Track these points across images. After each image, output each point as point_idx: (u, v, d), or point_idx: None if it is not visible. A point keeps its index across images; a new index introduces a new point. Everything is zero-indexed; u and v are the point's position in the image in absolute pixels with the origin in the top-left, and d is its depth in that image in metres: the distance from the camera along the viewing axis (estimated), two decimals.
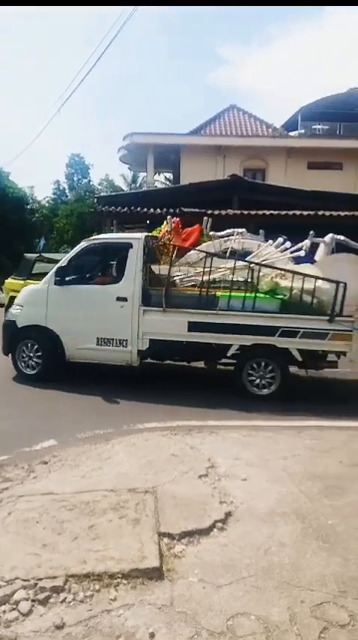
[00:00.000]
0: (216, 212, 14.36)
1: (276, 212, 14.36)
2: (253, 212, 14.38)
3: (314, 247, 7.54)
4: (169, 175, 34.10)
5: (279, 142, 26.07)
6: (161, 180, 37.15)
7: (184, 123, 78.90)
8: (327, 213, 14.45)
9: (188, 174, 23.60)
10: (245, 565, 2.87)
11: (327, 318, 6.28)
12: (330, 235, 7.66)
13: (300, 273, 6.42)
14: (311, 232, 7.49)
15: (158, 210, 14.53)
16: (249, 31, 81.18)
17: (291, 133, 27.70)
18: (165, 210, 14.45)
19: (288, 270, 6.54)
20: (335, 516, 3.44)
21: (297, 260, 7.05)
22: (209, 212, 14.26)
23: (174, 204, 14.49)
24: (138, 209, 14.69)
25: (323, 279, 6.39)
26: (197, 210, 14.27)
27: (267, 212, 14.37)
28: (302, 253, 7.12)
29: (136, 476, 3.90)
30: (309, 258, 7.25)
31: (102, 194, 29.05)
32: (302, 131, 27.48)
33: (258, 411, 5.98)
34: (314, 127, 27.20)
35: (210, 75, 74.91)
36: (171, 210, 14.36)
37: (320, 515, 3.45)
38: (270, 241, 7.42)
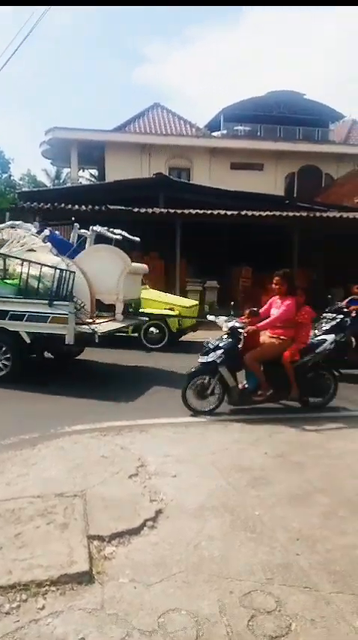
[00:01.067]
0: (143, 210, 14.37)
1: (202, 211, 14.57)
2: (179, 211, 14.51)
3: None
4: (94, 172, 33.61)
5: (203, 142, 26.53)
6: (86, 176, 36.52)
7: (109, 119, 78.17)
8: (249, 213, 14.87)
9: (113, 172, 23.44)
10: (175, 561, 2.90)
11: (47, 302, 6.75)
12: (92, 227, 8.65)
13: (28, 260, 7.04)
14: (76, 224, 8.79)
15: (83, 207, 14.29)
16: (171, 31, 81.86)
17: (214, 134, 28.25)
18: (90, 207, 14.24)
19: (21, 259, 7.17)
20: (261, 507, 3.56)
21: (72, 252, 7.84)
22: (135, 210, 14.26)
23: (100, 202, 14.32)
24: (62, 205, 14.37)
25: (48, 266, 7.02)
26: (123, 207, 14.20)
27: (193, 211, 14.56)
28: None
29: (64, 480, 3.82)
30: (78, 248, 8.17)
31: (24, 189, 28.06)
32: (225, 132, 28.12)
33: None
34: (236, 128, 27.89)
35: (133, 72, 74.78)
36: (97, 208, 14.18)
37: (248, 506, 3.56)
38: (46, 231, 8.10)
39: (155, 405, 6.22)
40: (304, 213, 15.70)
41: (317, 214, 15.93)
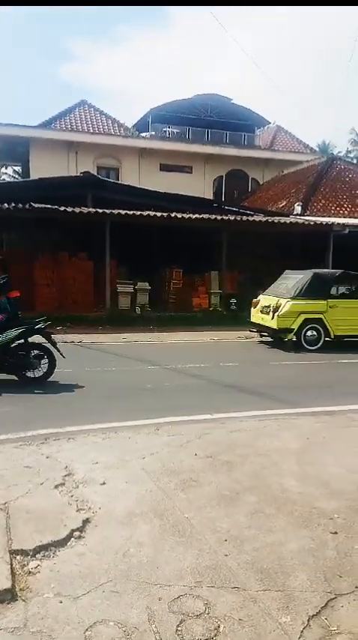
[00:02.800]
0: (70, 209, 14.06)
1: (131, 212, 14.48)
2: (108, 211, 14.33)
3: None
4: (18, 169, 32.50)
5: (132, 142, 26.44)
6: (9, 173, 35.28)
7: (36, 116, 75.94)
8: (179, 215, 14.97)
9: (38, 169, 22.76)
10: (103, 571, 2.83)
11: None
12: None
13: None
14: None
15: (5, 205, 13.72)
16: (99, 30, 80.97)
17: (143, 134, 28.25)
18: (13, 205, 13.73)
19: None
20: (190, 509, 3.56)
21: None
22: (62, 209, 13.92)
23: (24, 200, 13.83)
24: None
25: None
26: (49, 206, 13.82)
27: (122, 211, 14.43)
28: None
29: None
30: None
31: None
32: (153, 133, 28.18)
33: (117, 412, 5.99)
34: (164, 129, 28.04)
35: (60, 70, 73.17)
36: (21, 206, 13.70)
37: (177, 510, 3.55)
38: None
39: (83, 410, 6.09)
40: (232, 217, 16.05)
41: (244, 218, 16.34)
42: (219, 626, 2.44)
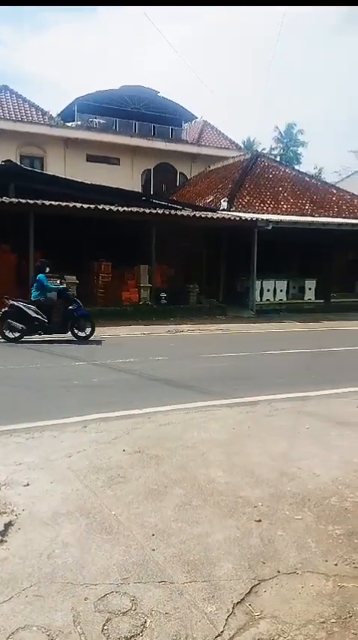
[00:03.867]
0: None
1: (57, 203, 14.11)
2: (32, 201, 13.87)
3: None
4: None
5: (56, 131, 25.75)
6: None
7: None
8: (107, 207, 14.77)
9: None
10: (26, 575, 2.74)
11: None
12: None
13: None
14: None
15: None
16: (23, 15, 77.83)
17: (68, 124, 27.57)
18: None
19: None
20: (118, 506, 3.53)
21: None
22: None
23: None
24: None
25: None
26: None
27: (47, 202, 14.02)
28: None
29: None
30: None
31: None
32: (79, 122, 27.60)
33: (44, 409, 5.83)
34: (91, 119, 27.53)
35: None
36: None
37: (104, 507, 3.51)
38: None
39: (5, 410, 5.87)
40: (160, 211, 16.07)
41: (173, 212, 16.42)
42: (145, 622, 2.43)
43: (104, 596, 2.60)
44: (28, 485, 3.77)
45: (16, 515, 3.34)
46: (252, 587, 2.71)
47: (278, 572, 2.85)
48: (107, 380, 7.68)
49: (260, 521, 3.39)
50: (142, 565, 2.88)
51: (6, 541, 3.06)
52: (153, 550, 3.03)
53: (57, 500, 3.56)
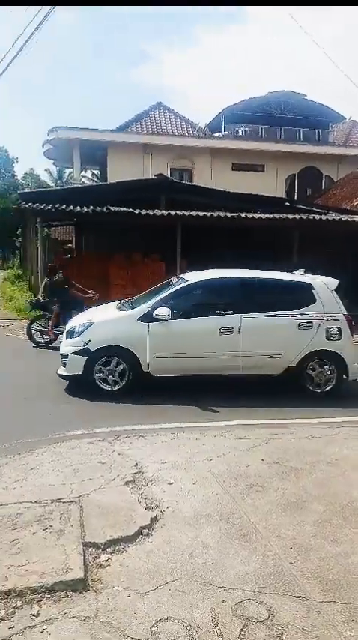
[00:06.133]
0: (144, 212, 14.39)
1: (203, 213, 14.59)
2: (180, 213, 14.53)
3: None
4: (97, 172, 33.65)
5: (204, 142, 26.55)
6: (88, 176, 36.59)
7: (111, 118, 78.18)
8: (249, 215, 14.88)
9: (115, 172, 23.47)
10: (169, 570, 2.93)
11: None
12: None
13: None
14: None
15: (84, 209, 14.30)
16: (175, 31, 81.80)
17: (216, 134, 28.28)
18: (91, 208, 14.26)
19: None
20: (256, 514, 3.59)
21: None
22: (136, 212, 14.28)
23: (102, 203, 14.33)
24: (64, 207, 14.38)
25: None
26: (124, 209, 14.22)
27: (193, 213, 14.57)
28: None
29: (61, 486, 3.85)
30: None
31: (26, 190, 28.09)
32: (226, 132, 28.15)
33: (184, 411, 6.11)
34: (237, 128, 27.92)
35: (134, 71, 74.73)
36: (99, 209, 14.21)
37: (243, 514, 3.59)
38: None
39: (153, 409, 6.25)
40: (304, 216, 15.72)
41: (317, 217, 15.94)
42: (282, 634, 2.46)
43: (241, 602, 2.68)
44: (171, 483, 4.01)
45: (160, 511, 3.58)
46: None
47: None
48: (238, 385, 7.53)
49: None
50: (279, 576, 2.90)
51: (151, 535, 3.30)
52: (291, 563, 3.03)
53: (198, 502, 3.73)
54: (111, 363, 6.69)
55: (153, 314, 6.69)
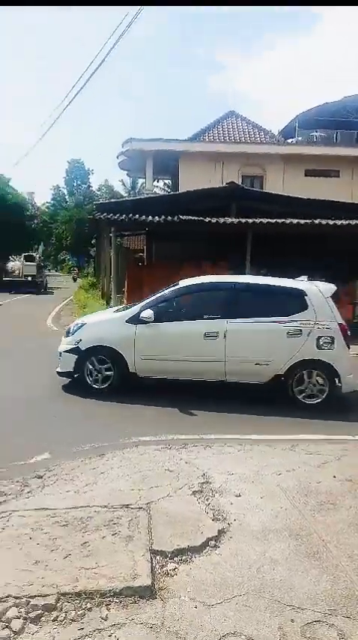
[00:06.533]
0: (214, 220, 14.43)
1: (274, 221, 14.39)
2: (251, 220, 14.42)
3: None
4: (169, 182, 34.22)
5: (277, 149, 26.21)
6: (160, 186, 37.29)
7: (184, 128, 79.32)
8: (323, 221, 14.49)
9: (187, 181, 23.70)
10: (237, 584, 2.90)
11: None
12: None
13: None
14: None
15: (156, 218, 14.57)
16: (248, 39, 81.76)
17: (289, 140, 27.86)
18: (163, 217, 14.50)
19: None
20: (327, 533, 3.47)
21: None
22: (207, 220, 14.35)
23: (173, 212, 14.53)
24: (136, 216, 14.73)
25: None
26: (195, 218, 14.33)
27: (264, 220, 14.42)
28: None
29: (130, 491, 3.92)
30: None
31: (101, 201, 29.09)
32: (300, 138, 27.66)
33: (254, 423, 6.02)
34: (311, 134, 27.35)
35: (208, 80, 75.39)
36: (170, 218, 14.42)
37: (313, 532, 3.48)
38: None
39: (220, 419, 6.23)
40: None
41: None
42: None
43: (311, 623, 2.60)
44: (239, 496, 3.96)
45: (228, 523, 3.55)
46: None
47: None
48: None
49: None
50: (351, 599, 2.79)
51: (219, 547, 3.27)
52: None
53: (266, 516, 3.66)
54: (99, 362, 7.02)
55: (140, 316, 6.91)
